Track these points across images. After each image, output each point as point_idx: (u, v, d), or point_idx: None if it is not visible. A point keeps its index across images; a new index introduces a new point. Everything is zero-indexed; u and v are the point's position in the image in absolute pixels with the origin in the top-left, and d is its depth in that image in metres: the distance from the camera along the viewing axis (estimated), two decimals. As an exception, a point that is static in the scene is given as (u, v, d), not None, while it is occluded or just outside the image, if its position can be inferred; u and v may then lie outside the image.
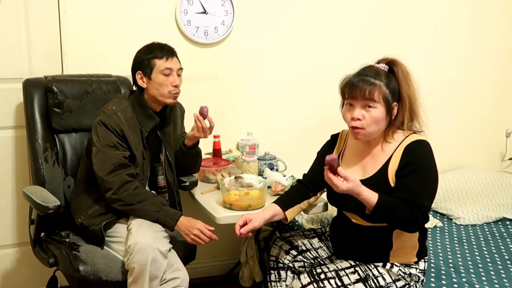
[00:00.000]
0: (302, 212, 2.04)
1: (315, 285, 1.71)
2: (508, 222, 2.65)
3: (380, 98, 1.68)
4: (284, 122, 2.84)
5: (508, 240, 2.43)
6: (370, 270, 1.77)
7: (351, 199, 1.70)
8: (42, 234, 2.09)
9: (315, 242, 2.03)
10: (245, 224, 1.80)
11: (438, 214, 2.76)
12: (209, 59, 2.65)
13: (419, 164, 1.67)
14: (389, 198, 1.65)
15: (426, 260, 1.84)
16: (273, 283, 1.98)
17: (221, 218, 1.96)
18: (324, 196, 2.02)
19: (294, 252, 2.00)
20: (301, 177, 2.03)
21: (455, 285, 1.97)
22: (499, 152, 3.38)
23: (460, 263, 2.17)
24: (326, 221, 2.52)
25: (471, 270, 2.11)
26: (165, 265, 1.85)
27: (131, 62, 2.05)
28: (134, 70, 2.03)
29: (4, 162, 2.40)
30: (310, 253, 2.00)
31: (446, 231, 2.55)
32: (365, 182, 1.68)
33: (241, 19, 2.64)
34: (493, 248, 2.34)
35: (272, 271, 2.00)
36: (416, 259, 1.80)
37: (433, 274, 2.04)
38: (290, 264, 1.98)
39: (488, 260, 2.22)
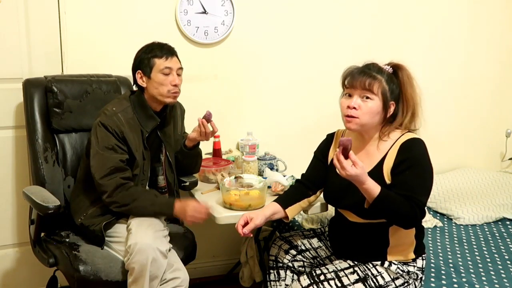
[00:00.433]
0: (302, 212, 2.04)
1: (315, 287, 1.71)
2: (508, 222, 2.65)
3: (379, 91, 1.71)
4: (284, 122, 2.84)
5: (508, 240, 2.43)
6: (369, 269, 1.77)
7: (348, 196, 1.72)
8: (42, 234, 2.09)
9: (315, 242, 2.03)
10: (246, 223, 1.80)
11: (438, 214, 2.77)
12: (209, 59, 2.65)
13: (415, 161, 1.69)
14: (390, 192, 1.66)
15: (424, 257, 1.84)
16: (272, 283, 1.98)
17: (221, 218, 1.96)
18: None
19: (293, 252, 2.00)
20: (300, 177, 2.03)
21: (455, 285, 1.97)
22: (499, 152, 3.38)
23: (460, 263, 2.17)
24: (326, 221, 2.52)
25: (471, 270, 2.11)
26: (165, 265, 1.85)
27: (131, 62, 2.05)
28: (134, 70, 2.03)
29: (4, 162, 2.40)
30: (310, 252, 2.01)
31: (446, 231, 2.55)
32: None
33: (241, 19, 2.64)
34: (493, 248, 2.34)
35: (271, 271, 2.00)
36: (414, 256, 1.80)
37: (433, 274, 2.04)
38: (290, 264, 1.99)
39: (488, 260, 2.22)
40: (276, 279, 1.98)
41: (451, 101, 3.19)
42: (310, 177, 1.97)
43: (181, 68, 2.03)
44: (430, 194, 2.75)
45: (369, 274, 1.76)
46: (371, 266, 1.78)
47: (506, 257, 2.24)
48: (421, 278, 1.83)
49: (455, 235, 2.49)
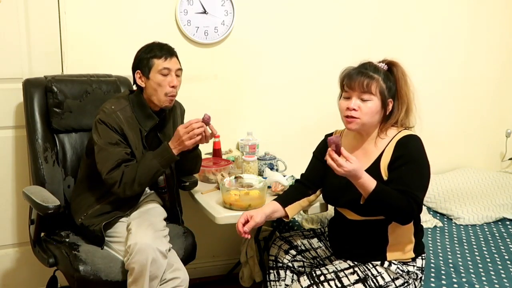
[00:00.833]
0: (302, 212, 2.04)
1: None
2: (508, 222, 2.65)
3: (377, 91, 1.73)
4: (284, 122, 2.84)
5: (508, 240, 2.43)
6: (369, 269, 1.77)
7: (346, 194, 1.73)
8: (42, 234, 2.09)
9: (315, 242, 2.03)
10: (246, 222, 1.80)
11: (438, 214, 2.76)
12: (209, 59, 2.65)
13: (411, 157, 1.71)
14: (386, 187, 1.68)
15: (423, 257, 1.85)
16: (272, 283, 1.98)
17: (221, 218, 1.96)
18: (324, 196, 2.03)
19: (293, 252, 2.00)
20: (300, 177, 2.03)
21: (455, 285, 1.97)
22: (499, 152, 3.38)
23: (460, 263, 2.17)
24: (326, 221, 2.52)
25: (471, 270, 2.11)
26: (165, 265, 1.85)
27: (131, 62, 2.05)
28: (133, 69, 2.03)
29: (4, 162, 2.40)
30: (310, 253, 2.01)
31: (446, 231, 2.55)
32: None
33: (241, 19, 2.64)
34: (493, 248, 2.34)
35: (271, 271, 2.00)
36: (413, 255, 1.80)
37: (433, 274, 2.04)
38: (290, 264, 1.99)
39: (488, 260, 2.22)
40: (276, 279, 1.98)
41: (451, 101, 3.19)
42: (310, 176, 1.98)
43: (180, 69, 2.03)
44: (431, 194, 2.77)
45: (369, 274, 1.76)
46: (371, 266, 1.78)
47: (506, 257, 2.24)
48: (420, 278, 1.83)
49: (455, 235, 2.49)
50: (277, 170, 2.45)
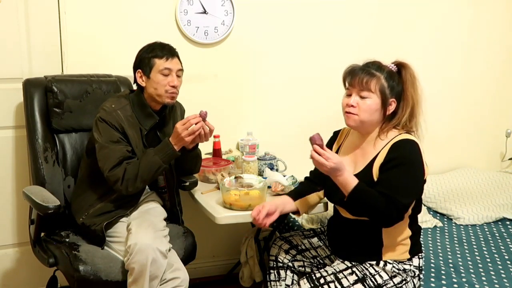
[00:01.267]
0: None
1: None
2: (508, 222, 2.65)
3: (377, 89, 1.73)
4: (284, 122, 2.84)
5: (508, 240, 2.43)
6: (367, 269, 1.78)
7: (339, 190, 1.74)
8: (42, 234, 2.09)
9: (315, 241, 2.04)
10: (259, 214, 1.83)
11: (438, 214, 2.77)
12: (209, 59, 2.65)
13: (402, 160, 1.69)
14: (368, 188, 1.68)
15: (420, 256, 1.84)
16: (272, 283, 1.98)
17: (221, 218, 1.96)
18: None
19: (293, 252, 2.00)
20: (301, 177, 2.06)
21: (455, 285, 1.97)
22: (499, 152, 3.38)
23: (460, 263, 2.17)
24: (326, 221, 2.52)
25: (471, 270, 2.11)
26: (165, 265, 1.85)
27: (131, 62, 2.05)
28: (134, 68, 2.03)
29: (4, 162, 2.40)
30: (310, 252, 2.01)
31: (446, 231, 2.55)
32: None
33: (241, 19, 2.64)
34: (493, 248, 2.34)
35: (271, 271, 2.00)
36: (408, 256, 1.80)
37: (433, 274, 2.04)
38: (290, 264, 1.99)
39: (488, 260, 2.22)
40: (276, 279, 1.98)
41: (451, 101, 3.18)
42: (317, 172, 1.98)
43: (181, 70, 2.03)
44: (431, 194, 2.75)
45: (367, 273, 1.76)
46: (368, 265, 1.79)
47: (506, 257, 2.24)
48: (419, 276, 1.83)
49: (455, 235, 2.49)
50: (277, 170, 2.45)
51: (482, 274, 2.08)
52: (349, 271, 1.78)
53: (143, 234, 1.84)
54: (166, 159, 1.94)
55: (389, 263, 1.78)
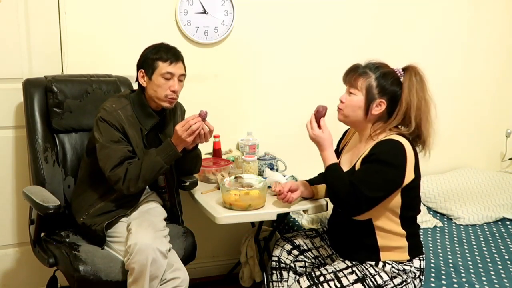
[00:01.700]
0: (302, 212, 2.05)
1: None
2: (508, 222, 2.65)
3: (363, 87, 1.78)
4: (284, 122, 2.84)
5: (508, 240, 2.43)
6: (367, 269, 1.78)
7: None
8: (42, 234, 2.09)
9: (317, 241, 2.04)
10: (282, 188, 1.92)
11: (438, 214, 2.77)
12: (209, 59, 2.64)
13: (378, 157, 1.72)
14: (341, 171, 1.77)
15: (421, 258, 1.84)
16: (274, 283, 1.98)
17: (221, 218, 1.96)
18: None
19: (295, 252, 2.01)
20: (301, 177, 2.08)
21: (455, 285, 1.97)
22: (499, 152, 3.38)
23: (460, 263, 2.17)
24: (326, 221, 2.52)
25: (471, 270, 2.11)
26: (165, 265, 1.85)
27: (131, 62, 2.05)
28: (137, 67, 2.03)
29: (4, 162, 2.40)
30: (312, 252, 2.01)
31: (446, 231, 2.55)
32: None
33: (241, 19, 2.64)
34: (493, 248, 2.34)
35: (274, 271, 2.01)
36: (408, 258, 1.80)
37: (433, 274, 2.04)
38: (292, 264, 1.99)
39: (488, 260, 2.22)
40: (279, 279, 1.98)
41: (451, 101, 3.18)
42: None
43: (183, 75, 2.03)
44: (431, 194, 2.76)
45: (367, 273, 1.77)
46: (369, 266, 1.79)
47: (506, 257, 2.24)
48: (420, 277, 1.83)
49: (455, 235, 2.49)
50: (277, 170, 2.45)
51: (482, 274, 2.08)
52: (349, 270, 1.78)
53: (143, 234, 1.84)
54: (168, 159, 1.94)
55: (388, 263, 1.78)
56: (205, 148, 2.47)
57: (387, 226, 1.77)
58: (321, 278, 1.75)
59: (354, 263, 1.81)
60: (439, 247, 2.33)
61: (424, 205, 2.82)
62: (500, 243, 2.39)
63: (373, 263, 1.79)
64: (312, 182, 2.06)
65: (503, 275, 2.07)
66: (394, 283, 1.76)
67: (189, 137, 1.92)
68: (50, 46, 2.37)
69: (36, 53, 2.35)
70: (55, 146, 2.17)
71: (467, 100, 3.23)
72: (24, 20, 2.31)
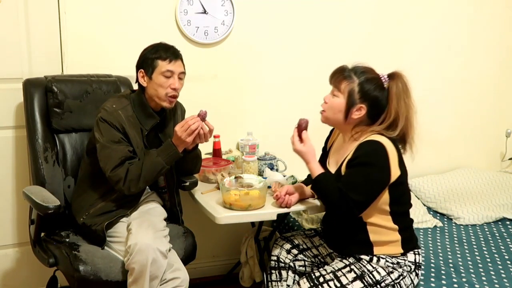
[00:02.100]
0: (301, 212, 2.05)
1: None
2: (508, 222, 2.65)
3: (345, 90, 1.81)
4: (285, 122, 2.81)
5: (508, 240, 2.43)
6: (364, 266, 1.79)
7: None
8: (42, 234, 2.09)
9: (316, 240, 2.05)
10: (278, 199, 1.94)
11: (438, 214, 2.77)
12: (209, 59, 2.65)
13: (361, 159, 1.74)
14: (330, 179, 1.79)
15: (416, 252, 1.85)
16: (274, 283, 1.99)
17: (221, 218, 1.96)
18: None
19: (295, 251, 2.01)
20: (301, 177, 2.09)
21: (455, 285, 1.97)
22: (499, 152, 3.38)
23: (460, 263, 2.17)
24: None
25: (471, 270, 2.11)
26: (165, 265, 1.85)
27: (131, 62, 2.05)
28: (137, 67, 2.03)
29: (4, 162, 2.40)
30: (311, 251, 2.02)
31: (446, 231, 2.55)
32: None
33: (241, 19, 2.64)
34: (493, 248, 2.34)
35: (273, 271, 2.01)
36: (402, 251, 1.81)
37: (433, 274, 2.04)
38: (291, 264, 1.99)
39: (488, 260, 2.22)
40: (278, 279, 1.98)
41: (451, 101, 3.18)
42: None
43: (183, 73, 2.03)
44: (431, 194, 2.76)
45: (365, 270, 1.78)
46: (365, 262, 1.80)
47: (506, 257, 2.24)
48: (415, 271, 1.84)
49: (455, 235, 2.49)
50: (277, 170, 2.45)
51: (482, 274, 2.08)
52: (348, 269, 1.79)
53: (143, 234, 1.84)
54: (168, 160, 1.94)
55: (382, 257, 1.79)
56: (205, 148, 2.47)
57: (378, 221, 1.80)
58: (321, 279, 1.76)
59: (351, 261, 1.82)
60: (439, 247, 2.33)
61: (424, 205, 2.82)
62: (500, 243, 2.39)
63: (367, 258, 1.80)
64: (307, 183, 2.06)
65: (503, 275, 2.07)
66: (391, 278, 1.78)
67: (188, 137, 1.92)
68: (50, 46, 2.37)
69: (36, 53, 2.35)
70: (55, 146, 2.17)
71: (467, 100, 3.23)
72: (24, 20, 2.31)
